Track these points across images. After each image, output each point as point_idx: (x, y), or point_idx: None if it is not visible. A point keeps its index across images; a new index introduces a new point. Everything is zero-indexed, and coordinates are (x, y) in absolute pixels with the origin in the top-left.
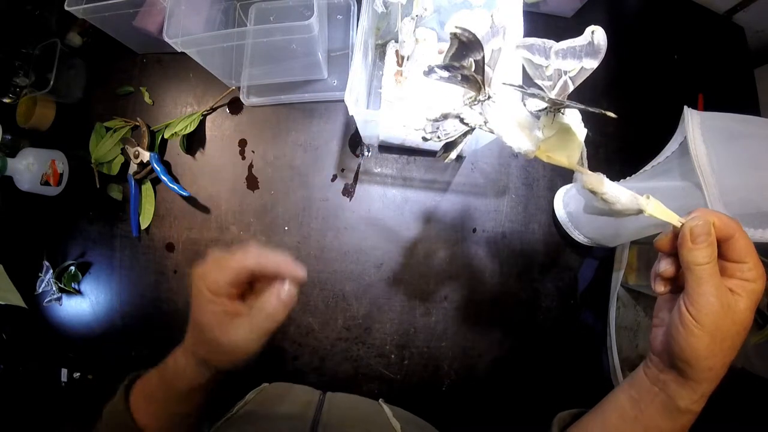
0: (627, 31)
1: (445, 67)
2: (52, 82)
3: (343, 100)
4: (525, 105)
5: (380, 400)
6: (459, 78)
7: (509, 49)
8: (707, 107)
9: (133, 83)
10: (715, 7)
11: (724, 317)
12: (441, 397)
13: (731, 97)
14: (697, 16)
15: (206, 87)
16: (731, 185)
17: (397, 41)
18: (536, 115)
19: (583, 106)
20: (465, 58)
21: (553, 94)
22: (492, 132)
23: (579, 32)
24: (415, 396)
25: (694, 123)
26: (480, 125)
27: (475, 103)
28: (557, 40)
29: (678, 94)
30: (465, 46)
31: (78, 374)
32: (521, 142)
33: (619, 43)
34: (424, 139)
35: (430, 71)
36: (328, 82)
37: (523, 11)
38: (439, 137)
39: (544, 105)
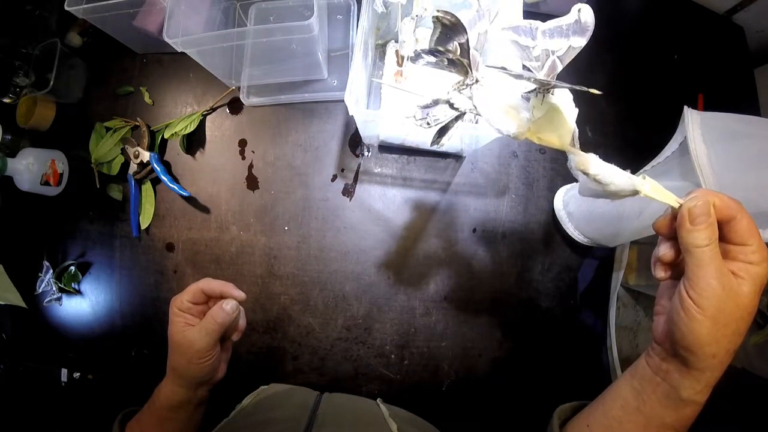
0: (627, 31)
1: (431, 52)
2: (52, 82)
3: (343, 100)
4: (514, 85)
5: (378, 400)
6: (446, 62)
7: (499, 32)
8: (707, 107)
9: (133, 83)
10: (715, 7)
11: (727, 301)
12: (441, 397)
13: (731, 97)
14: (697, 16)
15: (206, 87)
16: (731, 185)
17: (397, 41)
18: (526, 97)
19: (569, 85)
20: (449, 41)
21: (541, 75)
22: (481, 116)
23: None
24: (415, 396)
25: (694, 123)
26: (469, 109)
27: (464, 87)
28: None
29: (678, 94)
30: (448, 29)
31: (78, 374)
32: (510, 124)
33: (619, 43)
34: (423, 125)
35: (417, 57)
36: (328, 82)
37: (523, 11)
38: (428, 123)
39: (533, 86)
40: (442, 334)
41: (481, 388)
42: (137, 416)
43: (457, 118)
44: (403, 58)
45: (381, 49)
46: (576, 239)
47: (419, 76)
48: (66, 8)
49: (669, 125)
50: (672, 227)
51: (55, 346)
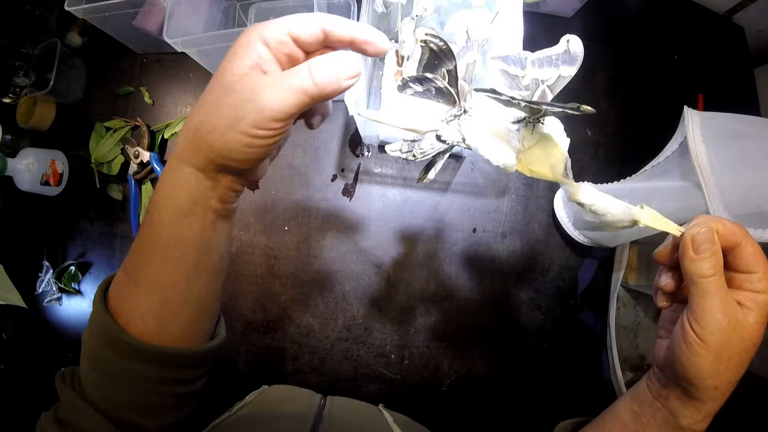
0: (627, 31)
1: (418, 80)
2: (52, 82)
3: (343, 100)
4: (503, 115)
5: (380, 406)
6: (433, 92)
7: (490, 60)
8: (707, 107)
9: (133, 83)
10: (715, 7)
11: (732, 334)
12: (441, 397)
13: (731, 97)
14: (697, 16)
15: (206, 87)
16: (731, 185)
17: (397, 41)
18: (516, 126)
19: (560, 108)
20: (437, 68)
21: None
22: (470, 148)
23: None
24: (415, 396)
25: (694, 123)
26: (458, 142)
27: (451, 118)
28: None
29: (678, 94)
30: (436, 55)
31: None
32: (500, 155)
33: (619, 43)
34: (406, 160)
35: (404, 86)
36: None
37: (523, 11)
38: (414, 155)
39: (522, 115)
40: (442, 334)
41: (481, 388)
42: (124, 263)
43: (444, 152)
44: (403, 58)
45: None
46: (576, 239)
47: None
48: (66, 8)
49: (669, 125)
50: (673, 256)
51: (55, 346)
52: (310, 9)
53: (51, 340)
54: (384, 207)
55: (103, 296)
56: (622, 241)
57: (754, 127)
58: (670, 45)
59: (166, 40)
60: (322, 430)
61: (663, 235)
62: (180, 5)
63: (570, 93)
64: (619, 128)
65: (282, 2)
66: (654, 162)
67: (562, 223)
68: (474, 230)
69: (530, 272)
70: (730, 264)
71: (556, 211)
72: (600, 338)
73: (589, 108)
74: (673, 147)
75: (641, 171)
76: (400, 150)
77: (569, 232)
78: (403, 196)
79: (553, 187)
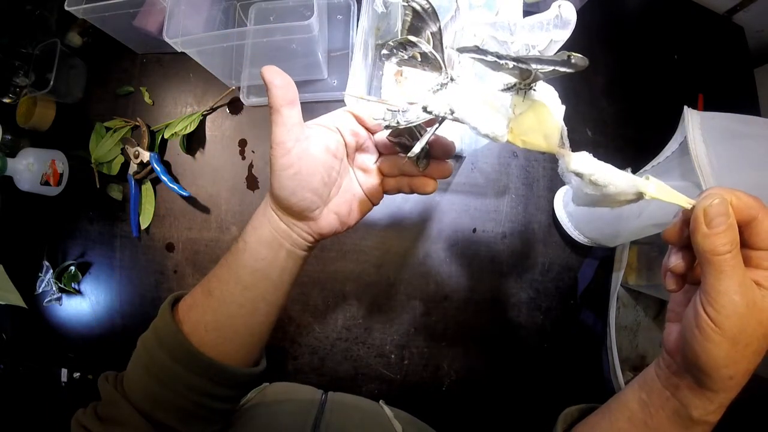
0: (627, 31)
1: (402, 44)
2: (52, 82)
3: (343, 100)
4: (492, 82)
5: (381, 402)
6: (419, 59)
7: (476, 26)
8: (707, 107)
9: (133, 83)
10: (715, 7)
11: (749, 318)
12: (441, 397)
13: (731, 97)
14: (697, 16)
15: (206, 87)
16: (731, 185)
17: None
18: (506, 95)
19: (549, 63)
20: (421, 31)
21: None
22: (459, 120)
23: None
24: (415, 396)
25: (694, 123)
26: (446, 113)
27: (438, 87)
28: None
29: (678, 94)
30: (419, 16)
31: (78, 374)
32: (490, 124)
33: (619, 43)
34: (388, 127)
35: (389, 53)
36: (328, 82)
37: (523, 11)
38: (398, 122)
39: (513, 81)
40: (442, 334)
41: (481, 388)
42: (203, 280)
43: (432, 125)
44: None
45: (381, 49)
46: (576, 239)
47: (420, 76)
48: (66, 8)
49: (669, 125)
50: (683, 233)
51: (55, 346)
52: (310, 9)
53: (51, 340)
54: (384, 207)
55: (170, 306)
56: (622, 241)
57: (754, 127)
58: (670, 45)
59: (166, 40)
60: (323, 424)
61: None
62: (180, 5)
63: (570, 92)
64: (619, 128)
65: (282, 2)
66: (654, 162)
67: (562, 223)
68: (474, 230)
69: (530, 272)
70: (745, 241)
71: (556, 211)
72: (600, 338)
73: (579, 56)
74: (673, 147)
75: (641, 171)
76: (383, 118)
77: (569, 232)
78: (403, 196)
79: (553, 187)
